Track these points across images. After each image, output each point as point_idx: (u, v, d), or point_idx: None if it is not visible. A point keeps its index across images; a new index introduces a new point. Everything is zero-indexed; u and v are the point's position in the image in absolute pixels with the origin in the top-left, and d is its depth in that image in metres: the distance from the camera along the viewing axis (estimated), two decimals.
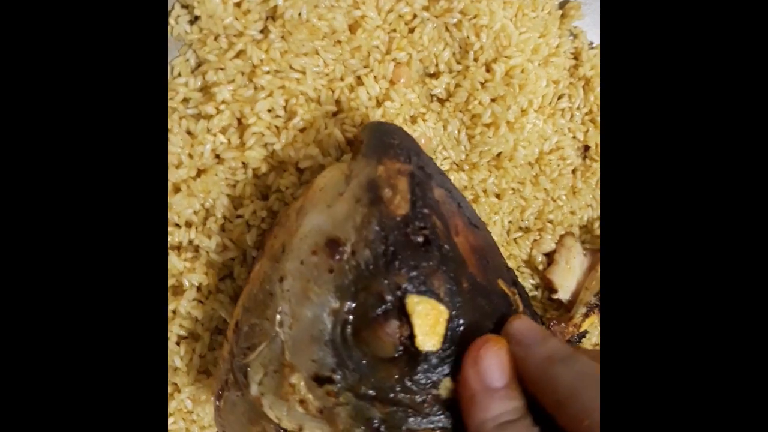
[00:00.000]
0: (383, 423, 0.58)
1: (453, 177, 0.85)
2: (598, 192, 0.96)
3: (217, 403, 0.66)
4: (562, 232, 0.91)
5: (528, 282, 0.90)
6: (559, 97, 0.92)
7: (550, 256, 0.91)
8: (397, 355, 0.59)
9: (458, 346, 0.59)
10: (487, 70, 0.84)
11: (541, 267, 0.91)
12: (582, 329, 0.87)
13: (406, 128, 0.78)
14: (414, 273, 0.59)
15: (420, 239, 0.61)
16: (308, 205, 0.66)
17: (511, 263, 0.88)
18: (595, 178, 0.95)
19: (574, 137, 0.93)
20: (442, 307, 0.59)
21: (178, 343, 0.74)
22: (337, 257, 0.61)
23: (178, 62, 0.76)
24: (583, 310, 0.86)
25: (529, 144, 0.87)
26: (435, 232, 0.62)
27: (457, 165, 0.87)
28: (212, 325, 0.75)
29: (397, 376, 0.58)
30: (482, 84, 0.84)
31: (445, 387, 0.59)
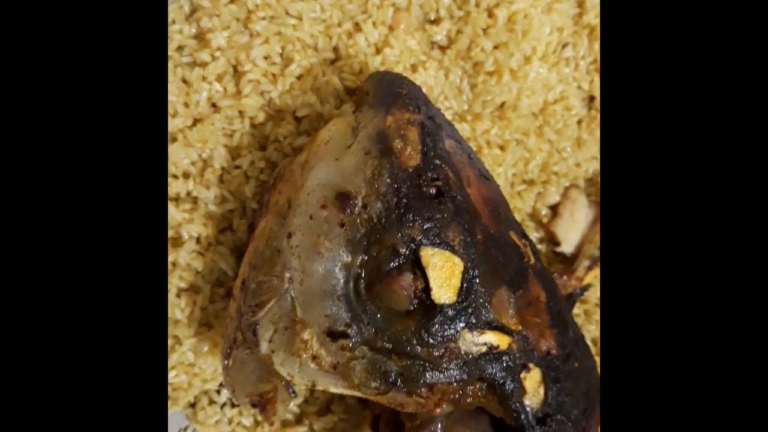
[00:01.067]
0: (400, 376, 0.60)
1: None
2: None
3: (226, 362, 0.67)
4: (567, 185, 0.93)
5: (532, 235, 0.92)
6: (564, 46, 0.92)
7: (554, 209, 0.92)
8: (412, 308, 0.60)
9: (474, 297, 0.61)
10: (489, 16, 0.84)
11: (545, 220, 0.93)
12: (585, 282, 0.89)
13: (408, 76, 0.78)
14: (428, 225, 0.60)
15: (433, 191, 0.62)
16: (314, 159, 0.67)
17: (515, 216, 0.89)
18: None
19: (579, 87, 0.93)
20: (457, 259, 0.61)
21: (178, 296, 0.76)
22: (348, 211, 0.61)
23: (172, 9, 0.74)
24: (586, 263, 0.88)
25: (533, 93, 0.88)
26: (448, 183, 0.63)
27: (460, 116, 0.87)
28: (213, 277, 0.76)
29: (413, 329, 0.60)
30: (484, 30, 0.84)
31: (462, 339, 0.61)
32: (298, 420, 0.83)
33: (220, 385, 0.80)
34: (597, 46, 0.94)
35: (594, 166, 0.96)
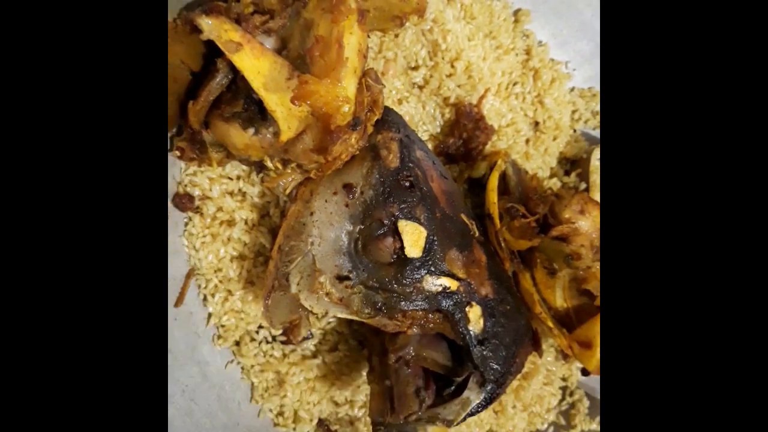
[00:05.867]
0: (384, 305, 0.93)
1: (430, 145, 1.20)
2: (546, 157, 1.32)
3: (267, 301, 1.00)
4: None
5: None
6: (514, 84, 1.27)
7: None
8: (392, 260, 0.94)
9: (433, 254, 0.95)
10: (452, 66, 1.18)
11: None
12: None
13: (395, 108, 1.12)
14: (403, 206, 0.94)
15: (407, 184, 0.96)
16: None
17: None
18: (543, 146, 1.30)
19: (525, 115, 1.28)
20: (422, 229, 0.94)
21: (231, 261, 1.09)
22: (351, 196, 0.95)
23: None
24: None
25: (489, 119, 1.22)
26: (417, 179, 0.97)
27: (434, 136, 1.21)
28: (255, 249, 1.09)
29: (393, 274, 0.93)
30: (448, 76, 1.18)
31: (426, 281, 0.94)
32: (314, 355, 1.16)
33: (259, 326, 1.13)
34: (540, 83, 1.29)
35: (539, 173, 1.31)
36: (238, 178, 1.09)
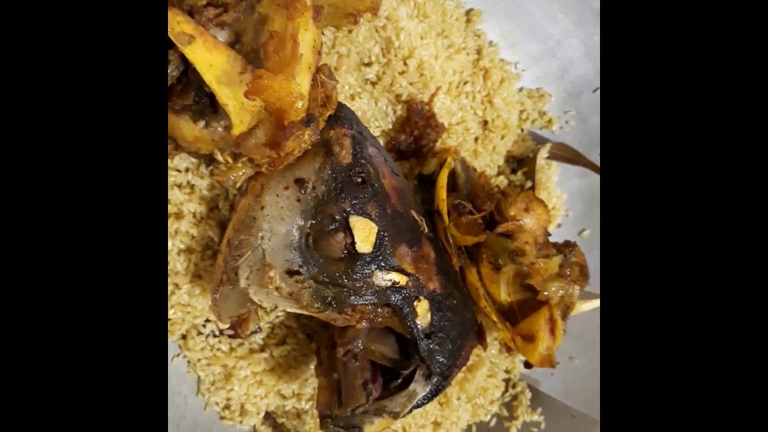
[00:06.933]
0: (334, 299, 0.94)
1: (382, 142, 1.22)
2: (494, 155, 1.35)
3: (215, 295, 1.01)
4: None
5: None
6: (465, 83, 1.30)
7: None
8: (343, 255, 0.95)
9: (383, 249, 0.96)
10: (404, 64, 1.20)
11: None
12: None
13: (347, 104, 1.14)
14: (355, 201, 0.95)
15: (359, 180, 0.97)
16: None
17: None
18: (491, 145, 1.34)
19: (475, 113, 1.31)
20: (373, 225, 0.96)
21: (178, 254, 1.08)
22: (303, 191, 0.96)
23: None
24: None
25: (440, 117, 1.25)
26: (369, 175, 0.98)
27: (386, 132, 1.23)
28: (203, 242, 1.09)
29: (343, 269, 0.94)
30: (401, 73, 1.20)
31: (375, 276, 0.96)
32: (262, 349, 1.16)
33: (206, 320, 1.13)
34: (489, 83, 1.32)
35: (487, 172, 1.35)
36: (187, 170, 1.08)
